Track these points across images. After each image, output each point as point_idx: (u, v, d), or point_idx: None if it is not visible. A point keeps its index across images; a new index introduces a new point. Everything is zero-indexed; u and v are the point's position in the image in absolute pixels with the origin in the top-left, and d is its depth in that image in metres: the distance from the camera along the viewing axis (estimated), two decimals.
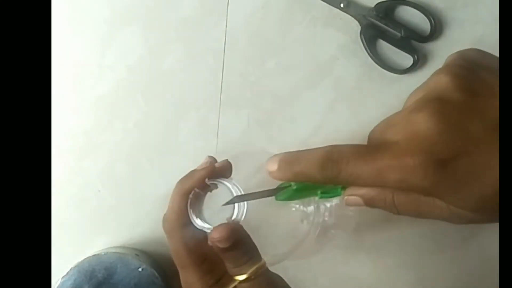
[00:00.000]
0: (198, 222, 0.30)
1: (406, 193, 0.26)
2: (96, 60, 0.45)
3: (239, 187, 0.30)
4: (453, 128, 0.23)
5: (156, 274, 0.40)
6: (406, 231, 0.46)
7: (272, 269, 0.31)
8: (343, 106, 0.45)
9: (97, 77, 0.45)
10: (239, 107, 0.45)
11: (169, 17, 0.44)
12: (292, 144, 0.45)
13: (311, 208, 0.39)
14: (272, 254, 0.36)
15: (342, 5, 0.43)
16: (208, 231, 0.29)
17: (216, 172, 0.31)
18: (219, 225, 0.29)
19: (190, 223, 0.30)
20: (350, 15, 0.43)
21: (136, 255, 0.42)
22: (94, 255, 0.42)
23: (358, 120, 0.45)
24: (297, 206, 0.40)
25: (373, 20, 0.43)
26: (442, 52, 0.44)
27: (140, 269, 0.40)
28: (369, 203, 0.27)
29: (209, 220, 0.30)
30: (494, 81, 0.24)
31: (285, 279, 0.32)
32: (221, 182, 0.30)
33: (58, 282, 0.40)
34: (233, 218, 0.29)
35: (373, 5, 0.43)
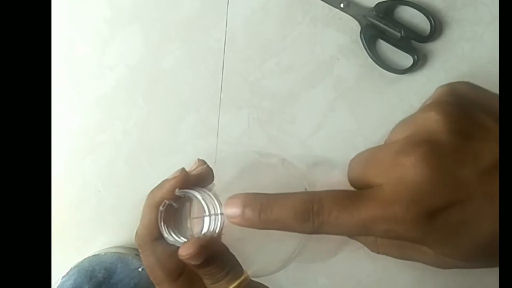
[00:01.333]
0: (169, 237, 0.27)
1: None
2: (96, 60, 0.45)
3: (214, 197, 0.27)
4: (444, 176, 0.22)
5: None
6: None
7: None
8: (343, 106, 0.45)
9: (97, 77, 0.45)
10: (239, 107, 0.45)
11: (169, 17, 0.44)
12: (292, 144, 0.45)
13: None
14: (270, 262, 0.35)
15: (342, 5, 0.43)
16: (180, 245, 0.26)
17: (192, 180, 0.28)
18: (187, 241, 0.26)
19: (163, 237, 0.27)
20: (350, 15, 0.43)
21: (136, 255, 0.42)
22: (94, 255, 0.42)
23: (358, 120, 0.45)
24: None
25: (373, 20, 0.43)
26: (442, 52, 0.44)
27: (140, 269, 0.40)
28: (350, 236, 0.26)
29: (190, 233, 0.27)
30: (487, 122, 0.23)
31: (284, 277, 0.31)
32: (191, 193, 0.27)
33: (58, 282, 0.40)
34: (203, 232, 0.26)
35: (373, 5, 0.43)
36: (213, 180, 0.29)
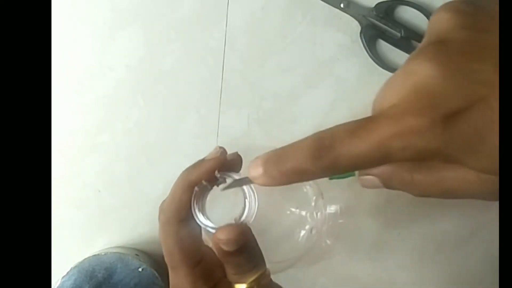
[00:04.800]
0: (202, 219, 0.26)
1: (425, 170, 0.22)
2: (96, 60, 0.45)
3: (253, 186, 0.26)
4: (460, 71, 0.19)
5: (156, 274, 0.40)
6: (406, 231, 0.46)
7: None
8: (343, 106, 0.45)
9: (97, 77, 0.45)
10: (239, 107, 0.45)
11: (169, 17, 0.44)
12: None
13: (314, 231, 0.37)
14: (277, 261, 0.34)
15: (342, 5, 0.43)
16: (212, 230, 0.26)
17: (226, 165, 0.27)
18: (226, 225, 0.25)
19: (188, 219, 0.27)
20: (350, 15, 0.43)
21: (136, 255, 0.42)
22: (94, 255, 0.42)
23: None
24: (303, 227, 0.38)
25: (373, 20, 0.43)
26: None
27: (140, 269, 0.40)
28: (387, 183, 0.24)
29: (211, 219, 0.27)
30: None
31: (284, 277, 0.31)
32: (232, 177, 0.26)
33: (58, 282, 0.40)
34: (242, 218, 0.26)
35: (373, 5, 0.43)
36: (241, 167, 0.28)
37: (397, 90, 0.21)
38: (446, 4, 0.21)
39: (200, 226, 0.27)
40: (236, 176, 0.26)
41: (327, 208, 0.40)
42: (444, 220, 0.46)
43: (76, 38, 0.45)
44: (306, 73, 0.45)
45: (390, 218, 0.46)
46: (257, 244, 0.26)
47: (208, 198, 0.28)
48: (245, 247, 0.25)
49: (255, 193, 0.26)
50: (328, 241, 0.41)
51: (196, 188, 0.27)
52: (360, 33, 0.43)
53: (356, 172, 0.24)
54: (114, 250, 0.42)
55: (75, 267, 0.41)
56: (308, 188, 0.37)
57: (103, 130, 0.45)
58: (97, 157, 0.45)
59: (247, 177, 0.25)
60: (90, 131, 0.45)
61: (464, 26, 0.20)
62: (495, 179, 0.20)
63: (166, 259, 0.27)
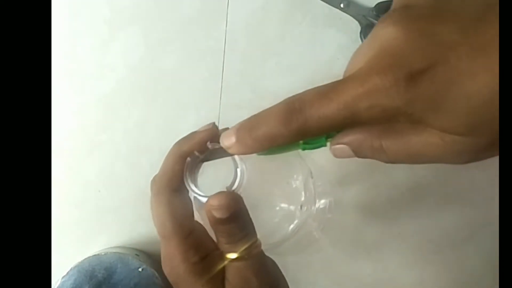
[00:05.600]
0: (194, 189, 0.27)
1: (393, 135, 0.23)
2: (96, 60, 0.45)
3: (242, 157, 0.26)
4: (423, 33, 0.20)
5: (156, 274, 0.40)
6: (406, 231, 0.46)
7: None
8: None
9: (97, 77, 0.45)
10: (239, 107, 0.45)
11: (169, 17, 0.44)
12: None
13: (293, 208, 0.37)
14: (272, 236, 0.34)
15: (342, 5, 0.43)
16: (204, 199, 0.26)
17: (219, 137, 0.27)
18: (219, 192, 0.25)
19: (180, 190, 0.27)
20: (350, 15, 0.43)
21: (136, 255, 0.42)
22: (94, 255, 0.42)
23: None
24: (281, 205, 0.38)
25: (373, 20, 0.43)
26: None
27: (140, 269, 0.40)
28: (358, 152, 0.24)
29: (203, 191, 0.27)
30: None
31: (285, 276, 0.31)
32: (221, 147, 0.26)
33: (58, 282, 0.40)
34: (234, 187, 0.26)
35: (373, 5, 0.43)
36: None
37: (364, 54, 0.22)
38: None
39: (191, 199, 0.27)
40: None
41: (317, 203, 0.40)
42: (444, 220, 0.46)
43: (76, 38, 0.45)
44: (306, 73, 0.45)
45: (390, 218, 0.46)
46: (248, 214, 0.26)
47: (200, 171, 0.28)
48: (236, 215, 0.25)
49: (245, 164, 0.27)
50: (315, 234, 0.41)
51: (188, 159, 0.27)
52: (360, 33, 0.43)
53: (328, 144, 0.25)
54: (114, 250, 0.42)
55: (75, 267, 0.41)
56: (297, 180, 0.37)
57: (103, 130, 0.45)
58: (97, 157, 0.45)
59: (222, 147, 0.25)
60: (90, 131, 0.45)
61: None
62: (458, 139, 0.21)
63: (157, 229, 0.27)
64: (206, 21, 0.44)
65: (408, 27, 0.20)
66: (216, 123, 0.43)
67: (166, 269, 0.27)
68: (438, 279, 0.47)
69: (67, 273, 0.40)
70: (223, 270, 0.27)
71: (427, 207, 0.46)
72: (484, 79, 0.19)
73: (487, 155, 0.22)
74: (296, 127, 0.22)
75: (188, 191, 0.28)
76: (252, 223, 0.27)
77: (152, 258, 0.45)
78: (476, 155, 0.22)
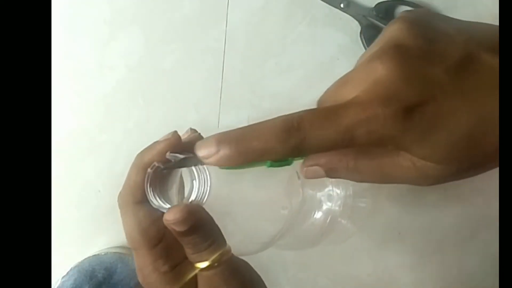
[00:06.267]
0: (154, 201, 0.26)
1: (368, 157, 0.25)
2: (96, 60, 0.45)
3: (205, 166, 0.26)
4: (416, 73, 0.22)
5: None
6: (406, 231, 0.46)
7: (264, 258, 0.28)
8: None
9: (97, 77, 0.45)
10: (239, 107, 0.45)
11: (169, 17, 0.44)
12: None
13: (296, 196, 0.37)
14: (250, 241, 0.34)
15: (342, 5, 0.43)
16: (164, 210, 0.25)
17: (183, 145, 0.27)
18: (174, 206, 0.25)
19: (146, 200, 0.26)
20: (350, 15, 0.43)
21: None
22: (94, 255, 0.42)
23: None
24: (274, 207, 0.38)
25: (373, 20, 0.43)
26: None
27: None
28: (331, 172, 0.25)
29: (176, 201, 0.27)
30: (450, 30, 0.24)
31: (284, 277, 0.31)
32: (181, 158, 0.26)
33: (58, 282, 0.40)
34: (191, 199, 0.26)
35: (373, 5, 0.43)
36: None
37: (359, 84, 0.23)
38: (399, 18, 0.25)
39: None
40: (187, 157, 0.26)
41: (340, 190, 0.40)
42: (444, 220, 0.46)
43: (76, 38, 0.45)
44: (306, 73, 0.45)
45: (390, 218, 0.46)
46: (212, 222, 0.26)
47: (172, 180, 0.28)
48: (196, 226, 0.25)
49: (207, 173, 0.26)
50: (344, 222, 0.40)
51: (148, 170, 0.27)
52: (360, 33, 0.43)
53: (295, 162, 0.25)
54: (114, 250, 0.42)
55: (75, 267, 0.41)
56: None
57: (103, 130, 0.45)
58: (97, 157, 0.45)
59: (192, 157, 0.25)
60: (90, 131, 0.45)
61: (418, 36, 0.23)
62: (430, 165, 0.23)
63: (127, 241, 0.27)
64: (206, 21, 0.44)
65: (403, 64, 0.22)
66: (216, 123, 0.43)
67: (140, 278, 0.28)
68: (438, 279, 0.47)
69: (67, 273, 0.40)
70: (195, 278, 0.27)
71: (427, 207, 0.46)
72: (463, 117, 0.22)
73: (449, 180, 0.25)
74: (293, 145, 0.22)
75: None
76: (219, 231, 0.26)
77: None
78: (440, 179, 0.24)
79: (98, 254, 0.42)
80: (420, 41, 0.23)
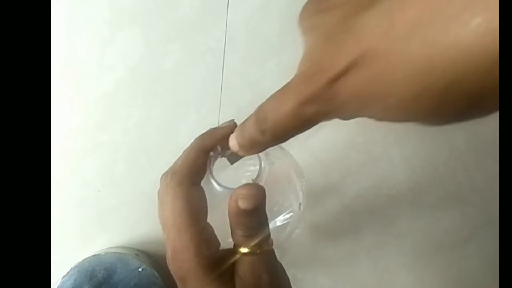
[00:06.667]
0: (217, 183, 0.27)
1: None
2: (96, 60, 0.45)
3: (263, 153, 0.27)
4: (334, 42, 0.20)
5: (156, 274, 0.40)
6: (406, 231, 0.46)
7: None
8: None
9: (97, 77, 0.45)
10: (239, 107, 0.45)
11: (169, 17, 0.44)
12: (291, 145, 0.45)
13: (302, 208, 0.38)
14: (275, 236, 0.35)
15: None
16: (228, 191, 0.26)
17: None
18: (246, 183, 0.26)
19: (198, 183, 0.27)
20: None
21: (136, 255, 0.42)
22: (94, 255, 0.42)
23: (358, 120, 0.45)
24: (283, 204, 0.38)
25: None
26: None
27: (140, 269, 0.40)
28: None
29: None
30: None
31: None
32: None
33: (58, 282, 0.40)
34: (259, 180, 0.27)
35: None
36: None
37: (300, 61, 0.23)
38: None
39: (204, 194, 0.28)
40: None
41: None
42: (444, 220, 0.46)
43: (76, 38, 0.45)
44: None
45: (390, 218, 0.46)
46: (265, 210, 0.27)
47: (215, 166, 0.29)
48: (258, 208, 0.26)
49: (265, 160, 0.28)
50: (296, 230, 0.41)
51: (211, 153, 0.28)
52: None
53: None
54: (114, 250, 0.42)
55: (75, 267, 0.41)
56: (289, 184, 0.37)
57: (103, 130, 0.45)
58: (97, 157, 0.45)
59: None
60: (90, 131, 0.45)
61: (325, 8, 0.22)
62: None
63: (170, 221, 0.27)
64: (206, 21, 0.44)
65: (322, 35, 0.21)
66: (216, 123, 0.43)
67: (175, 263, 0.27)
68: (438, 279, 0.47)
69: (67, 273, 0.40)
70: (232, 266, 0.27)
71: (427, 207, 0.46)
72: (403, 67, 0.17)
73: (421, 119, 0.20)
74: (270, 135, 0.23)
75: (211, 184, 0.28)
76: (267, 220, 0.27)
77: (152, 258, 0.45)
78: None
79: (98, 254, 0.42)
80: (330, 13, 0.21)
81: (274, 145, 0.24)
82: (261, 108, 0.24)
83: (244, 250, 0.27)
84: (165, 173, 0.29)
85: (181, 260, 0.26)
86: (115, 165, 0.45)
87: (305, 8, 0.23)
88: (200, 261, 0.26)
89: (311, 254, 0.47)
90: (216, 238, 0.27)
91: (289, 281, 0.30)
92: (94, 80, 0.45)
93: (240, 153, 0.26)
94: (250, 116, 0.25)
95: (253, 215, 0.26)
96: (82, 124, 0.45)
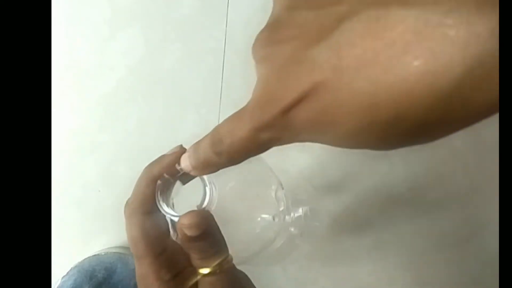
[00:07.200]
0: (167, 210, 0.28)
1: None
2: (97, 60, 0.45)
3: (211, 175, 0.28)
4: (286, 72, 0.20)
5: None
6: (406, 231, 0.46)
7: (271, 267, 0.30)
8: None
9: (98, 77, 0.45)
10: (239, 107, 0.45)
11: (169, 17, 0.44)
12: (291, 145, 0.45)
13: (276, 219, 0.39)
14: (248, 250, 0.35)
15: None
16: (175, 218, 0.27)
17: None
18: (190, 211, 0.27)
19: (152, 212, 0.28)
20: None
21: None
22: (94, 255, 0.42)
23: None
24: (264, 216, 0.38)
25: None
26: None
27: None
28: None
29: (177, 211, 0.28)
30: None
31: (284, 277, 0.31)
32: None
33: (58, 282, 0.40)
34: (204, 205, 0.27)
35: None
36: None
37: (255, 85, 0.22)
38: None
39: (164, 219, 0.29)
40: None
41: (296, 211, 0.41)
42: (444, 220, 0.46)
43: (76, 38, 0.45)
44: None
45: (390, 218, 0.46)
46: (219, 230, 0.28)
47: (175, 191, 0.29)
48: (207, 232, 0.26)
49: (214, 181, 0.28)
50: (296, 240, 0.41)
51: (158, 182, 0.29)
52: None
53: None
54: (114, 250, 0.42)
55: (75, 267, 0.41)
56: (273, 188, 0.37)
57: (103, 130, 0.45)
58: (97, 157, 0.45)
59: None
60: (90, 131, 0.45)
61: (271, 41, 0.21)
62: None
63: (132, 249, 0.29)
64: (206, 21, 0.44)
65: (274, 66, 0.20)
66: (216, 123, 0.43)
67: (141, 287, 0.29)
68: (438, 279, 0.47)
69: (67, 273, 0.40)
70: (196, 286, 0.28)
71: (427, 207, 0.46)
72: (350, 98, 0.18)
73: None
74: (225, 157, 0.23)
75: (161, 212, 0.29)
76: (223, 239, 0.28)
77: None
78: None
79: (98, 254, 0.42)
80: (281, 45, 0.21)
81: (229, 166, 0.25)
82: (216, 130, 0.24)
83: (204, 271, 0.27)
84: (125, 203, 0.30)
85: (146, 285, 0.28)
86: (115, 165, 0.45)
87: (258, 38, 0.23)
88: (161, 284, 0.28)
89: (311, 254, 0.47)
90: (181, 258, 0.28)
91: None
92: (94, 80, 0.45)
93: (193, 173, 0.26)
94: (204, 137, 0.25)
95: (203, 239, 0.27)
96: (82, 124, 0.45)
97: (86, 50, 0.45)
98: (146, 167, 0.30)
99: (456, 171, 0.45)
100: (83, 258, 0.42)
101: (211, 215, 0.27)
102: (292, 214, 0.40)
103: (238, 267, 0.31)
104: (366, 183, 0.46)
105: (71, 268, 0.41)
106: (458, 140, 0.46)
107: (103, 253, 0.41)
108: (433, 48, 0.16)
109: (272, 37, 0.22)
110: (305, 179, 0.37)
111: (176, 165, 0.28)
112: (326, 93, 0.18)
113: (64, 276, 0.40)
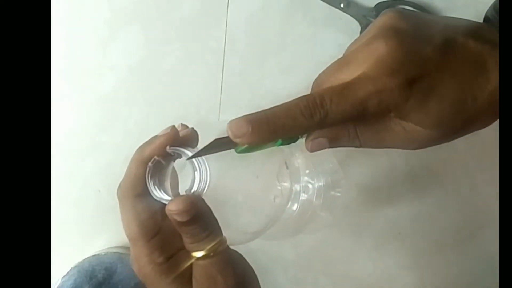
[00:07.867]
0: (156, 193, 0.27)
1: (365, 124, 0.28)
2: (97, 60, 0.45)
3: (204, 158, 0.27)
4: (413, 51, 0.26)
5: None
6: (406, 231, 0.46)
7: (264, 258, 0.29)
8: None
9: (98, 77, 0.45)
10: (239, 107, 0.45)
11: (169, 17, 0.44)
12: (292, 145, 0.45)
13: (285, 185, 0.37)
14: (242, 231, 0.34)
15: (342, 5, 0.43)
16: (166, 202, 0.26)
17: (180, 140, 0.28)
18: (177, 197, 0.26)
19: (145, 193, 0.28)
20: (350, 15, 0.43)
21: None
22: (94, 255, 0.42)
23: None
24: (257, 195, 0.37)
25: (373, 20, 0.43)
26: None
27: None
28: (334, 141, 0.28)
29: (171, 193, 0.28)
30: (430, 21, 0.28)
31: (284, 277, 0.31)
32: (183, 151, 0.27)
33: (58, 282, 0.40)
34: (193, 190, 0.27)
35: (373, 5, 0.43)
36: (197, 143, 0.30)
37: (363, 62, 0.26)
38: (391, 9, 0.29)
39: (158, 201, 0.28)
40: (189, 151, 0.27)
41: (318, 180, 0.40)
42: (444, 220, 0.46)
43: (76, 38, 0.45)
44: (306, 73, 0.45)
45: (390, 218, 0.46)
46: (210, 213, 0.27)
47: (169, 173, 0.29)
48: (197, 217, 0.26)
49: (207, 165, 0.27)
50: (322, 213, 0.41)
51: (149, 164, 0.28)
52: (360, 33, 0.43)
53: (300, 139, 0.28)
54: (114, 250, 0.43)
55: (75, 267, 0.41)
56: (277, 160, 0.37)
57: (103, 130, 0.45)
58: (97, 157, 0.45)
59: (200, 150, 0.26)
60: (90, 131, 0.45)
61: (407, 21, 0.27)
62: (419, 130, 0.27)
63: (125, 232, 0.29)
64: (206, 21, 0.44)
65: (402, 43, 0.26)
66: (216, 123, 0.43)
67: (135, 268, 0.29)
68: (438, 279, 0.47)
69: (67, 273, 0.40)
70: (190, 268, 0.28)
71: (427, 207, 0.46)
72: (450, 87, 0.26)
73: (430, 144, 0.28)
74: (318, 120, 0.25)
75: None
76: (216, 222, 0.28)
77: None
78: (424, 143, 0.28)
79: (98, 254, 0.42)
80: (410, 26, 0.27)
81: (307, 132, 0.28)
82: (315, 94, 0.26)
83: (198, 254, 0.27)
84: (118, 187, 0.30)
85: (138, 267, 0.28)
86: (115, 165, 0.45)
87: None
88: (154, 267, 0.28)
89: (311, 254, 0.47)
90: (176, 240, 0.28)
91: (253, 273, 0.30)
92: (94, 80, 0.45)
93: (249, 142, 0.25)
94: (287, 103, 0.26)
95: (193, 223, 0.26)
96: (82, 124, 0.45)
97: (86, 50, 0.45)
98: (137, 149, 0.29)
99: (456, 171, 0.45)
100: (83, 258, 0.42)
101: (201, 199, 0.27)
102: (313, 183, 0.40)
103: (256, 242, 0.30)
104: (366, 183, 0.46)
105: (71, 268, 0.41)
106: (458, 140, 0.46)
107: (103, 253, 0.41)
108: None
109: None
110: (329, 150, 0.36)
111: (167, 147, 0.28)
112: (436, 78, 0.26)
113: (64, 276, 0.40)
